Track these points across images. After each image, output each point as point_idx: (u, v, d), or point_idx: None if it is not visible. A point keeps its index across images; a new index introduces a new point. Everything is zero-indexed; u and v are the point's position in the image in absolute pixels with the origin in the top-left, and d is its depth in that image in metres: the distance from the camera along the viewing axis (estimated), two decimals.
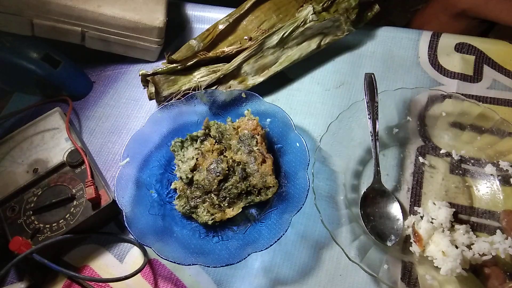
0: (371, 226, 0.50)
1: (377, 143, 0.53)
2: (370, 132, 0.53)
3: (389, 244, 0.49)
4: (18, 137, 0.61)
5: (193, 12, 0.76)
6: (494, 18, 0.73)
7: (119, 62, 0.73)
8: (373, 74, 0.56)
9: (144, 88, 0.66)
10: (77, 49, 0.67)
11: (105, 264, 0.55)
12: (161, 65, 0.64)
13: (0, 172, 0.58)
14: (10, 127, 0.67)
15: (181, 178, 0.55)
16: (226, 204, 0.53)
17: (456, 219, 0.51)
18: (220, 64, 0.65)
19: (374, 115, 0.54)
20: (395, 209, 0.51)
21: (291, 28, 0.64)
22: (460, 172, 0.55)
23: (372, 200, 0.52)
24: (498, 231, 0.48)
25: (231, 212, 0.52)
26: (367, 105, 0.54)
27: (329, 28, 0.66)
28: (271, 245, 0.47)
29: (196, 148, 0.57)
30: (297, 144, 0.54)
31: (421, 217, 0.51)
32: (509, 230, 0.47)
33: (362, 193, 0.53)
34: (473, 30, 0.79)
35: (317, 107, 0.64)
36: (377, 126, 0.54)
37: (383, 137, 0.58)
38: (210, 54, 0.65)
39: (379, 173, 0.53)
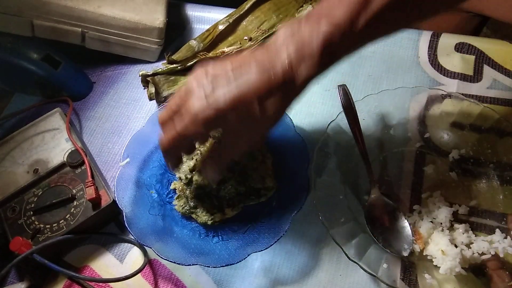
0: (382, 239, 0.49)
1: (367, 153, 0.53)
2: (357, 145, 0.53)
3: (405, 254, 0.48)
4: (19, 138, 0.61)
5: (193, 12, 0.76)
6: (488, 13, 0.72)
7: (119, 63, 0.73)
8: (345, 85, 0.56)
9: (144, 89, 0.66)
10: (77, 49, 0.68)
11: (105, 264, 0.55)
12: (161, 66, 0.65)
13: (1, 172, 0.58)
14: (10, 127, 0.67)
15: (180, 178, 0.55)
16: (225, 204, 0.53)
17: (456, 218, 0.51)
18: None
19: (356, 126, 0.53)
20: (399, 217, 0.50)
21: None
22: (460, 171, 0.55)
23: (377, 217, 0.51)
24: (497, 230, 0.49)
25: (230, 212, 0.52)
26: (346, 118, 0.54)
27: None
28: (271, 245, 0.47)
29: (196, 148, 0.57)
30: (297, 144, 0.54)
31: (421, 216, 0.51)
32: None
33: (365, 208, 0.52)
34: (468, 24, 0.78)
35: (317, 107, 0.64)
36: (363, 136, 0.53)
37: (382, 137, 0.58)
38: (210, 54, 0.65)
39: (375, 184, 0.52)
